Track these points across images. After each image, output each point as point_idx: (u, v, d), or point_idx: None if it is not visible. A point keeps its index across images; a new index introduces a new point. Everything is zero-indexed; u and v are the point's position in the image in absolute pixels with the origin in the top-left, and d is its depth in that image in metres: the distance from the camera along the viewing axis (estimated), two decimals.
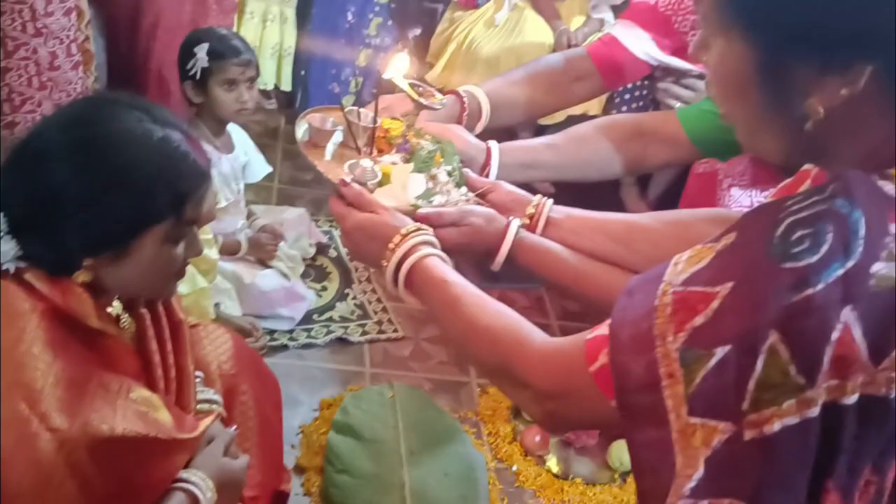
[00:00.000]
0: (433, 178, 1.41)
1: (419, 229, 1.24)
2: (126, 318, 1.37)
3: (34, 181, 1.18)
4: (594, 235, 1.35)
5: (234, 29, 3.10)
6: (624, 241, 1.34)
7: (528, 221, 1.37)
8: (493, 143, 1.55)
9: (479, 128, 1.68)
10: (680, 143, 1.66)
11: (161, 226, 1.23)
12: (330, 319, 2.58)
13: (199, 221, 1.29)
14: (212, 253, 2.26)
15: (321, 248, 2.81)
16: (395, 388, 2.33)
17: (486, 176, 1.51)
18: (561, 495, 2.22)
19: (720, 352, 0.78)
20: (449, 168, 1.43)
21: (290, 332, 2.49)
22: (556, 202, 1.41)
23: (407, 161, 1.42)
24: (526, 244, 1.32)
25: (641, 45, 1.83)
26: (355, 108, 1.47)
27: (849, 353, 0.74)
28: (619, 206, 2.85)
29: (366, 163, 1.37)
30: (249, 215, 2.63)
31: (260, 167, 2.65)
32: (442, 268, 1.20)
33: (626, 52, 1.82)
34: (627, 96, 2.48)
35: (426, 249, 1.21)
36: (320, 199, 3.05)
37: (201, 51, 2.29)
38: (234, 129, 2.54)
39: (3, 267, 1.18)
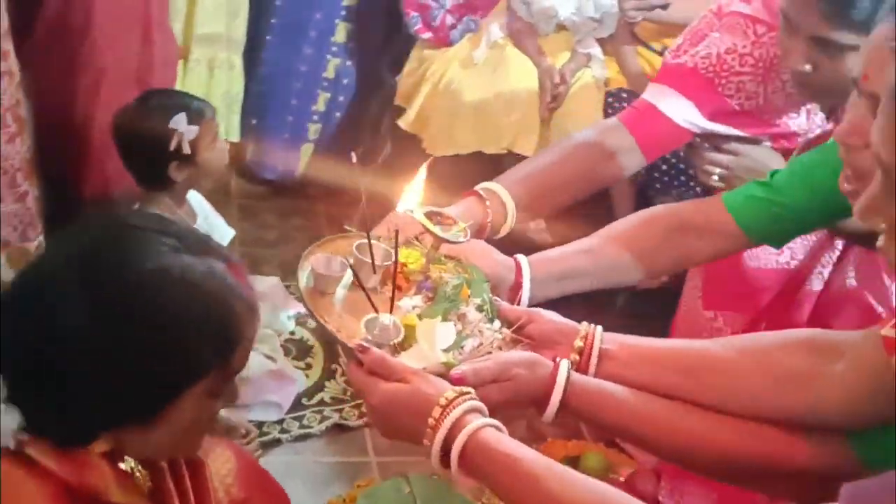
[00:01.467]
0: (461, 317, 1.22)
1: (461, 394, 1.05)
2: (139, 472, 1.13)
3: (39, 340, 0.95)
4: (654, 369, 1.20)
5: (178, 78, 2.84)
6: (693, 374, 1.19)
7: (577, 357, 1.21)
8: (521, 259, 1.38)
9: (505, 230, 1.52)
10: (729, 234, 1.50)
11: (203, 381, 0.99)
12: (322, 402, 2.32)
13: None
14: None
15: (298, 320, 2.55)
16: (411, 482, 2.10)
17: (518, 298, 1.35)
18: None
19: None
20: (478, 301, 1.24)
21: (280, 422, 2.23)
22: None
23: (429, 300, 1.22)
24: (578, 389, 1.14)
25: (683, 112, 1.69)
26: (367, 240, 1.23)
27: None
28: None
29: (385, 318, 1.15)
30: None
31: (224, 232, 2.38)
32: (501, 441, 1.02)
33: (668, 121, 1.68)
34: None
35: (476, 421, 1.03)
36: (290, 260, 2.79)
37: (181, 122, 2.01)
38: (190, 193, 2.27)
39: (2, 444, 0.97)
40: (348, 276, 1.22)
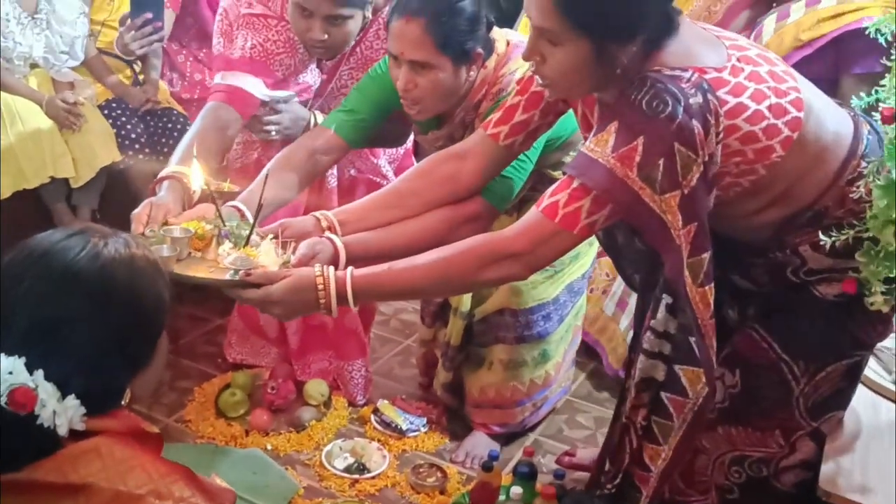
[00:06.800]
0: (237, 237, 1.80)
1: (322, 266, 1.65)
2: None
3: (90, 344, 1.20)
4: (371, 213, 1.95)
5: None
6: (393, 204, 1.97)
7: (328, 229, 1.90)
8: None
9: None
10: (338, 147, 2.28)
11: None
12: None
13: None
14: None
15: None
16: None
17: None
18: (311, 442, 2.69)
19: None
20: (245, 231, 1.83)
21: None
22: None
23: (231, 241, 1.78)
24: (348, 246, 1.85)
25: (256, 87, 2.38)
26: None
27: None
28: None
29: (234, 254, 1.70)
30: None
31: None
32: (364, 270, 1.66)
33: (249, 94, 2.37)
34: None
35: (347, 269, 1.66)
36: None
37: None
38: None
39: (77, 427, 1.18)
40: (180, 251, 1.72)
